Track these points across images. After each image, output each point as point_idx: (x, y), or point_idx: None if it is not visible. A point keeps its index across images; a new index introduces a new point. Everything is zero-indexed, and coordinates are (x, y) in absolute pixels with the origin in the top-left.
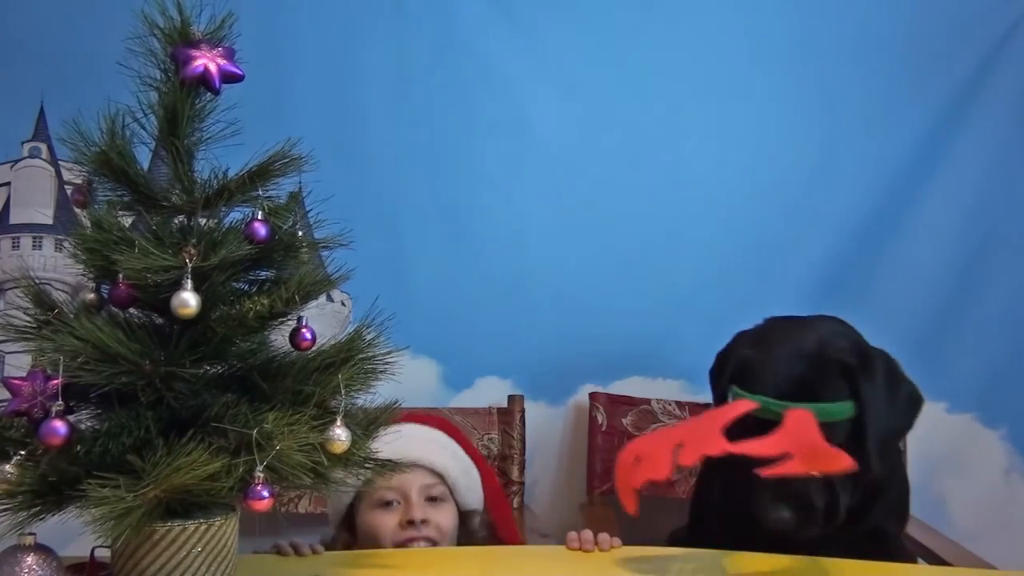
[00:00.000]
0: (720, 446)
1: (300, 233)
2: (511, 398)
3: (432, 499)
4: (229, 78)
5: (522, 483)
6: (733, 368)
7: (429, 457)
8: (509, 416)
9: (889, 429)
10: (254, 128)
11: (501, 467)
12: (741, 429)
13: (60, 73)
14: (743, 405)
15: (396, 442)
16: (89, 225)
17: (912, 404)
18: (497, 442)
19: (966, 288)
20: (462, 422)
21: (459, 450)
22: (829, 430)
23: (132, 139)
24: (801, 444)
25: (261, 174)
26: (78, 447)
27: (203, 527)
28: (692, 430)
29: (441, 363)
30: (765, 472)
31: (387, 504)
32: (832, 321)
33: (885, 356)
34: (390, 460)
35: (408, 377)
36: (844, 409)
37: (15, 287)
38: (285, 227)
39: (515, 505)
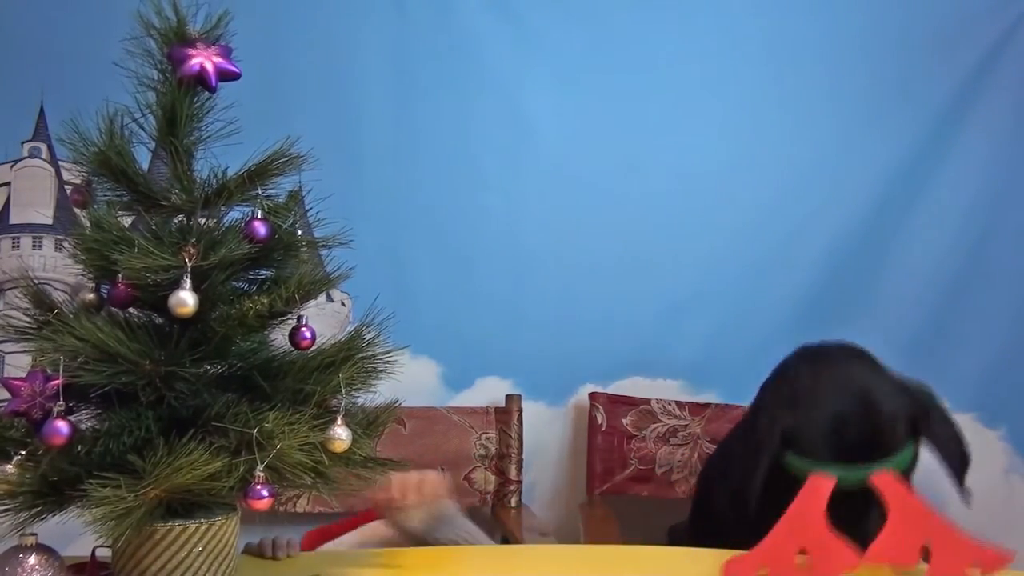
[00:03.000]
0: (848, 556)
1: (299, 232)
2: (509, 397)
3: None
4: (226, 76)
5: (519, 482)
6: (783, 436)
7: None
8: (507, 415)
9: (966, 452)
10: (253, 127)
11: (499, 466)
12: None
13: (60, 73)
14: (822, 485)
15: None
16: (89, 225)
17: (953, 422)
18: (495, 441)
19: (966, 288)
20: (460, 421)
21: None
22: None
23: (131, 139)
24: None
25: (260, 173)
26: (79, 447)
27: (204, 527)
28: (795, 529)
29: (441, 363)
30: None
31: None
32: (857, 361)
33: (923, 390)
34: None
35: (408, 377)
36: (907, 456)
37: (15, 287)
38: (284, 226)
39: (513, 504)
